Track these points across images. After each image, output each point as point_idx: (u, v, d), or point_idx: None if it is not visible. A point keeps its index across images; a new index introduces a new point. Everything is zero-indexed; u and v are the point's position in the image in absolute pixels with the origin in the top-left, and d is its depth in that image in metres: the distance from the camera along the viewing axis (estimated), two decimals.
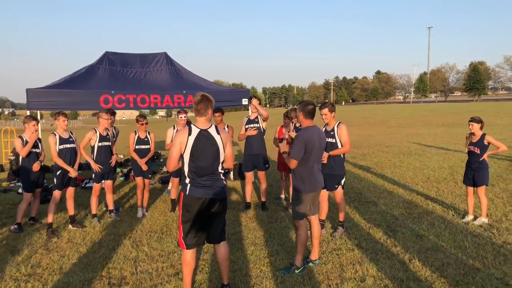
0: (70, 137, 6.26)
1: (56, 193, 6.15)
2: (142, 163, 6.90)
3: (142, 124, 6.94)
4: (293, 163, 4.34)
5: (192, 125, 3.66)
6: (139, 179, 7.00)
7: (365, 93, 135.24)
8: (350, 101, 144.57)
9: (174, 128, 7.22)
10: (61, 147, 6.09)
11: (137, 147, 6.94)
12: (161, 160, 14.19)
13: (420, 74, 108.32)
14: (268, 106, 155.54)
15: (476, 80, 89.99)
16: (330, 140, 5.48)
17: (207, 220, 3.69)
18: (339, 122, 5.50)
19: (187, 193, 3.62)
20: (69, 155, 6.20)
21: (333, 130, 5.49)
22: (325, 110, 5.42)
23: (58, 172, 6.09)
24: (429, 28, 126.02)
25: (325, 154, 5.36)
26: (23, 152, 6.16)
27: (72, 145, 6.24)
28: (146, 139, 7.03)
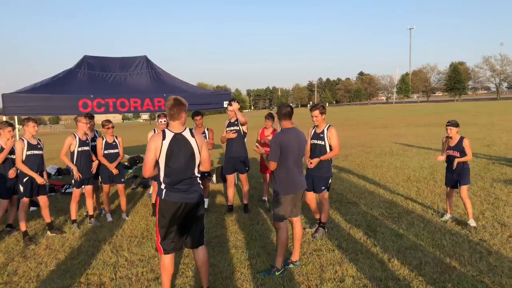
0: (38, 143, 6.15)
1: (25, 200, 5.99)
2: (112, 167, 6.84)
3: (109, 128, 6.86)
4: (271, 165, 4.37)
5: (166, 129, 3.64)
6: (106, 186, 6.97)
7: (348, 94, 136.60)
8: (334, 102, 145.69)
9: (154, 132, 7.16)
10: (29, 153, 5.97)
11: (105, 152, 6.86)
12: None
13: (402, 75, 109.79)
14: (252, 108, 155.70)
15: (457, 80, 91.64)
16: (319, 142, 5.51)
17: (184, 224, 3.67)
18: (329, 125, 5.51)
19: (163, 197, 3.59)
20: (37, 161, 6.08)
21: (322, 132, 5.51)
22: (316, 112, 5.44)
23: (25, 179, 5.94)
24: (410, 29, 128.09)
25: (315, 160, 5.39)
26: None
27: (40, 152, 6.13)
28: (114, 143, 6.97)
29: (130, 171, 12.33)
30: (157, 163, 3.60)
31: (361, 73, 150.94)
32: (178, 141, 3.58)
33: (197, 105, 8.70)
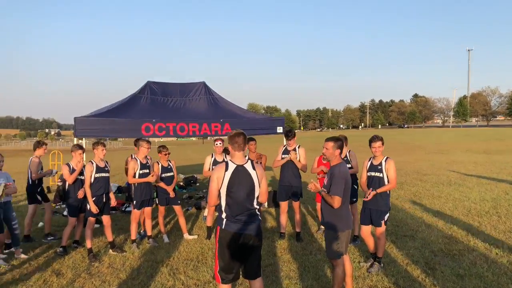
0: (105, 166, 6.56)
1: (91, 220, 6.43)
2: (170, 190, 7.17)
3: (165, 154, 7.25)
4: (337, 201, 4.20)
5: (229, 161, 3.79)
6: (162, 208, 7.31)
7: (402, 116, 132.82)
8: (387, 124, 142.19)
9: (212, 156, 7.41)
10: (97, 175, 6.39)
11: (163, 175, 7.21)
12: (197, 184, 14.43)
13: (459, 98, 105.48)
14: (302, 128, 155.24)
15: None
16: (376, 174, 5.45)
17: (243, 255, 3.76)
18: (387, 157, 5.46)
19: (223, 227, 3.73)
20: (104, 183, 6.49)
21: (380, 164, 5.45)
22: (379, 143, 5.40)
23: (92, 199, 6.35)
24: (468, 50, 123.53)
25: (373, 192, 5.34)
26: (70, 179, 6.50)
27: (107, 174, 6.54)
28: (169, 167, 7.32)
29: (185, 191, 12.70)
30: (218, 193, 3.75)
31: (415, 95, 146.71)
32: (240, 173, 3.72)
33: (251, 130, 8.95)
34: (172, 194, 7.18)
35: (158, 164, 7.16)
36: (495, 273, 5.28)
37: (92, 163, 6.37)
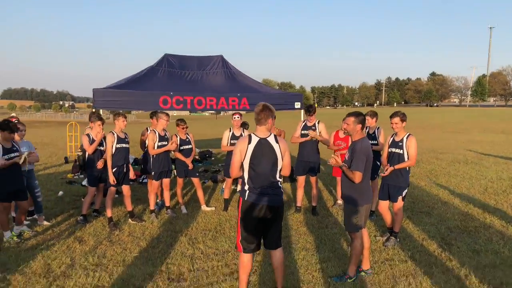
0: (125, 137, 6.64)
1: (112, 189, 6.54)
2: (189, 162, 7.25)
3: (183, 128, 7.31)
4: (358, 176, 4.19)
5: (252, 134, 3.81)
6: (180, 180, 7.39)
7: (418, 95, 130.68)
8: (402, 102, 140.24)
9: (230, 131, 7.44)
10: (118, 146, 6.47)
11: (181, 148, 7.27)
12: (213, 158, 14.55)
13: (478, 77, 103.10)
14: (316, 105, 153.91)
15: None
16: (397, 150, 5.42)
17: (264, 226, 3.82)
18: (409, 134, 5.42)
19: (245, 199, 3.78)
20: (125, 154, 6.58)
21: (401, 141, 5.41)
22: (397, 119, 5.37)
23: (113, 170, 6.46)
24: (490, 28, 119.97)
25: (390, 168, 5.33)
26: (90, 150, 6.61)
27: (127, 145, 6.63)
28: (187, 140, 7.38)
29: (200, 164, 12.84)
30: (241, 165, 3.79)
31: (433, 74, 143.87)
32: (263, 146, 3.74)
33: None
34: (190, 166, 7.26)
35: (177, 136, 7.22)
36: (511, 249, 5.29)
37: (113, 134, 6.45)
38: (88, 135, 6.72)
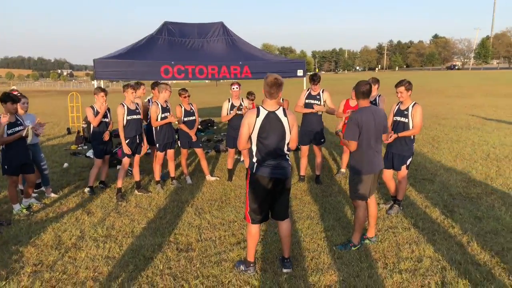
0: (136, 108, 6.61)
1: (126, 160, 6.58)
2: (192, 133, 7.23)
3: (185, 97, 7.17)
4: (352, 145, 4.29)
5: (260, 107, 3.79)
6: (185, 151, 7.39)
7: (420, 58, 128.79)
8: (404, 66, 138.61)
9: (229, 101, 7.41)
10: (129, 117, 6.46)
11: (185, 119, 7.23)
12: (215, 127, 14.56)
13: (482, 39, 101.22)
14: (317, 70, 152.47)
15: None
16: (402, 119, 5.42)
17: (272, 198, 3.88)
18: (415, 103, 5.39)
19: (253, 171, 3.81)
20: (136, 125, 6.57)
21: (407, 109, 5.39)
22: (401, 88, 5.33)
23: (126, 141, 6.48)
24: None
25: (394, 135, 5.32)
26: (94, 122, 6.61)
27: (138, 116, 6.61)
28: (191, 111, 7.32)
29: (203, 134, 12.85)
30: (250, 138, 3.80)
31: (435, 36, 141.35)
32: (271, 119, 3.74)
33: (270, 72, 8.81)
34: (194, 138, 7.26)
35: (181, 107, 7.18)
36: None
37: (124, 106, 6.42)
38: (92, 107, 6.70)
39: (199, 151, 7.45)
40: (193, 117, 7.33)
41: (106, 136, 6.65)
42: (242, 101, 7.48)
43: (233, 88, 7.35)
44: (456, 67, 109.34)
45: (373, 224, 4.67)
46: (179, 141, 7.46)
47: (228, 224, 5.34)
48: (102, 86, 7.37)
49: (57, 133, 13.88)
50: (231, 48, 9.62)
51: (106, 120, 6.77)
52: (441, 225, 5.16)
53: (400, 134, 5.38)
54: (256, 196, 3.82)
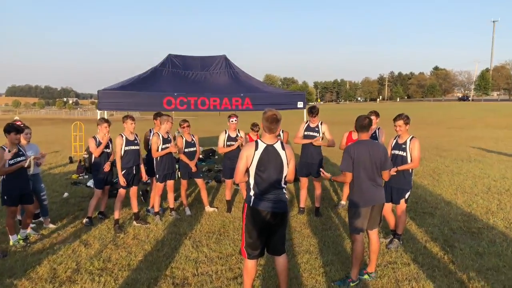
0: (135, 139, 6.68)
1: (122, 191, 6.59)
2: (192, 165, 7.26)
3: (184, 128, 7.25)
4: (347, 176, 4.37)
5: (258, 140, 3.84)
6: (185, 182, 7.39)
7: (421, 89, 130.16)
8: (406, 97, 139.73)
9: (225, 133, 7.48)
10: (127, 148, 6.52)
11: (186, 150, 7.28)
12: (216, 157, 14.58)
13: (482, 71, 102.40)
14: (319, 101, 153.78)
15: None
16: (400, 153, 5.45)
17: (269, 232, 3.86)
18: (413, 136, 5.44)
19: (251, 204, 3.81)
20: (133, 156, 6.62)
21: (405, 143, 5.43)
22: (400, 122, 5.39)
23: (123, 172, 6.51)
24: (493, 22, 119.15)
25: (393, 169, 5.33)
26: (96, 152, 6.65)
27: (136, 147, 6.66)
28: (192, 142, 7.38)
29: (204, 163, 12.87)
30: (247, 171, 3.82)
31: (436, 68, 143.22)
32: (270, 153, 3.78)
33: (271, 105, 8.87)
34: (194, 169, 7.29)
35: (182, 138, 7.24)
36: None
37: (122, 136, 6.49)
38: (94, 137, 6.76)
39: (199, 181, 7.46)
40: (194, 148, 7.38)
41: (107, 167, 6.69)
42: (239, 132, 7.55)
43: (232, 121, 7.42)
44: (470, 99, 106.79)
45: (374, 260, 4.62)
46: (179, 172, 7.47)
47: (225, 258, 5.28)
48: (106, 117, 7.46)
49: (59, 162, 13.93)
50: (233, 81, 9.78)
51: (108, 150, 6.82)
52: (441, 260, 5.09)
53: (400, 168, 5.40)
54: (253, 230, 3.80)
